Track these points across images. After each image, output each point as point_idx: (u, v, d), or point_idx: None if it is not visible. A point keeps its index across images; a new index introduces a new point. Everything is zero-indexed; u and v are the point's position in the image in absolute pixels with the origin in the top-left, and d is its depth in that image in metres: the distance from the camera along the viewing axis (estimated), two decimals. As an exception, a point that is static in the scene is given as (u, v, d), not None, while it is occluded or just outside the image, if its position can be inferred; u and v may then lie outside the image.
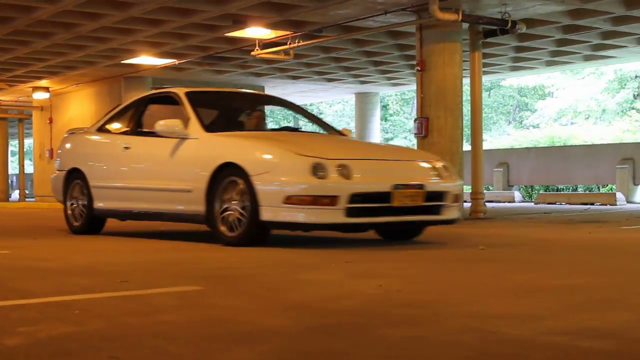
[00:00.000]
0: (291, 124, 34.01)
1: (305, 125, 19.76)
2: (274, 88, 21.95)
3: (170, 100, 8.04)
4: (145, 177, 7.93)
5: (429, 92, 12.35)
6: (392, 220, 6.71)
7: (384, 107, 39.19)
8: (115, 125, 8.82)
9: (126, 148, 8.17)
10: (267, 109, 8.67)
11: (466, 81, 13.04)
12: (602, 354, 2.52)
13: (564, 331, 2.84)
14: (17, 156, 34.74)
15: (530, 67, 19.69)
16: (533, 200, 21.89)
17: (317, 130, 8.88)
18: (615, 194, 18.46)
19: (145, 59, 17.51)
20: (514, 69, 19.80)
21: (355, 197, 6.38)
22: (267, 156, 6.68)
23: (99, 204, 8.43)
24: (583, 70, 33.84)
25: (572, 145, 25.42)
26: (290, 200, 6.35)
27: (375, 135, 23.97)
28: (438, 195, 6.88)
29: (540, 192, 23.15)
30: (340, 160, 6.51)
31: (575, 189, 24.30)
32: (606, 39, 15.60)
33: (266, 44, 15.04)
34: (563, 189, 24.93)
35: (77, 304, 3.52)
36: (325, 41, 14.79)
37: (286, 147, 6.70)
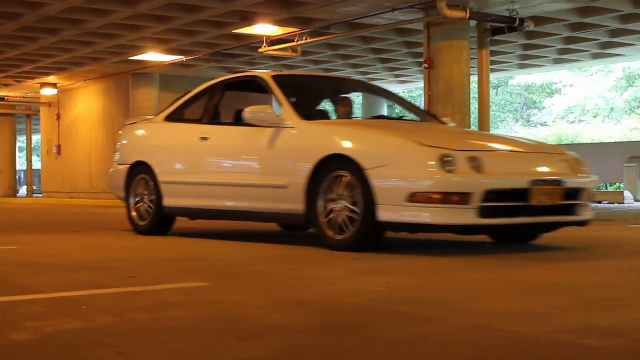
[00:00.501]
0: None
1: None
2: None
3: (250, 85, 7.40)
4: (227, 171, 7.12)
5: (436, 90, 12.36)
6: (528, 221, 5.82)
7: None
8: (186, 114, 7.94)
9: (203, 139, 7.29)
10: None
11: (474, 79, 13.04)
12: (610, 353, 2.51)
13: (571, 329, 2.84)
14: (24, 152, 34.86)
15: (538, 65, 19.66)
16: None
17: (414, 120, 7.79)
18: (622, 192, 18.40)
19: (153, 56, 17.54)
20: (522, 66, 19.78)
21: (489, 195, 5.49)
22: (385, 147, 5.79)
23: (169, 201, 7.55)
24: (591, 68, 33.75)
25: (579, 143, 25.36)
26: (414, 197, 5.47)
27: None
28: (575, 193, 6.01)
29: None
30: (470, 152, 5.63)
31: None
32: (614, 36, 15.57)
33: (273, 41, 15.05)
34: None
35: (85, 300, 3.53)
36: (333, 38, 14.81)
37: (406, 137, 5.83)
